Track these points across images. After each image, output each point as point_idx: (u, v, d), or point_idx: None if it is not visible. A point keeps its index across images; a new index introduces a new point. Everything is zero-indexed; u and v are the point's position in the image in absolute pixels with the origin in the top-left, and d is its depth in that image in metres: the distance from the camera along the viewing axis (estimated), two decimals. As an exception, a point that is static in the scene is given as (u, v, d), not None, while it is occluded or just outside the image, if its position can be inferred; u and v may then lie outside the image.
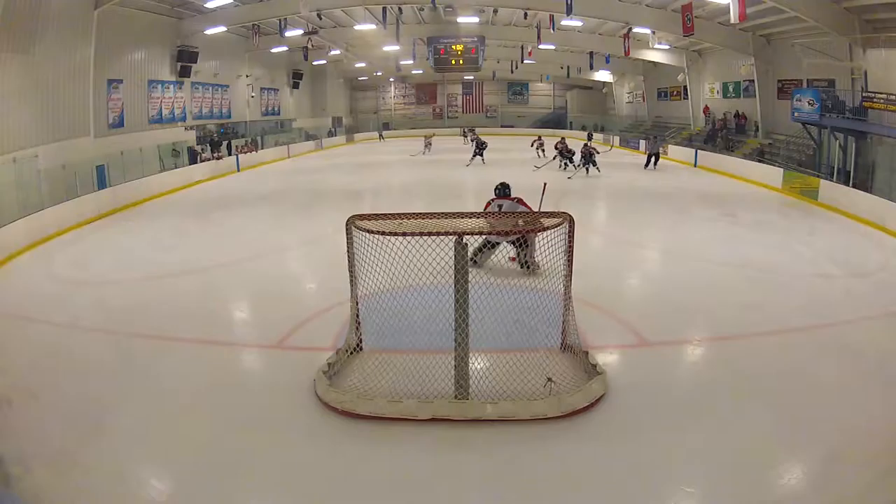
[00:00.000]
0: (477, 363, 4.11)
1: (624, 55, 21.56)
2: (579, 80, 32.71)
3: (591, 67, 25.98)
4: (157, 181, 14.79)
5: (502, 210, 6.95)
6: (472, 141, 26.07)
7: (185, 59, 18.33)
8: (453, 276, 3.94)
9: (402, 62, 29.00)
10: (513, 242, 6.48)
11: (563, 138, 19.04)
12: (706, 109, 22.26)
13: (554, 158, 17.67)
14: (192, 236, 9.98)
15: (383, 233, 4.09)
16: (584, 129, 33.61)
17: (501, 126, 37.64)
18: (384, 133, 34.28)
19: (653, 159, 18.16)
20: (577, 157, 16.80)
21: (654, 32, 19.50)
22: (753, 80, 18.17)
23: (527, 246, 6.17)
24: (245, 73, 23.34)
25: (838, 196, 11.53)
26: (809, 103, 13.52)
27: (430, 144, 24.39)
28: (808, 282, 6.83)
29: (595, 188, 14.40)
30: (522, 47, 25.12)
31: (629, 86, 30.53)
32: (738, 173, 16.29)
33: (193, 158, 18.05)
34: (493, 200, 7.29)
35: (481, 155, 19.83)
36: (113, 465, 3.38)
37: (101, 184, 12.87)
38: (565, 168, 16.72)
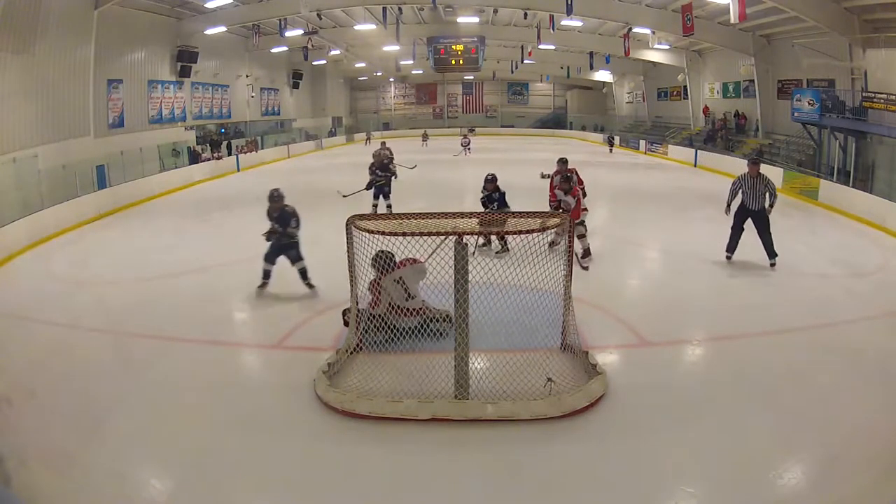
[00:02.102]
0: (477, 363, 4.10)
1: (624, 55, 21.57)
2: (579, 80, 32.74)
3: (591, 67, 26.01)
4: (157, 181, 14.80)
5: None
6: (465, 143, 23.85)
7: (185, 59, 18.33)
8: (453, 276, 3.94)
9: (402, 62, 29.01)
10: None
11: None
12: (706, 110, 22.27)
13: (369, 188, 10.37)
14: (192, 236, 9.97)
15: (383, 233, 4.09)
16: (585, 128, 33.71)
17: (501, 126, 37.67)
18: (373, 134, 31.30)
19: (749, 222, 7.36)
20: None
21: (654, 32, 19.51)
22: (753, 80, 18.17)
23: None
24: (245, 73, 23.35)
25: (838, 196, 11.53)
26: (809, 103, 13.52)
27: (384, 165, 10.72)
28: (808, 282, 6.82)
29: (595, 188, 14.37)
30: (522, 47, 25.14)
31: (629, 86, 30.55)
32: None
33: (193, 159, 18.05)
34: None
35: (389, 177, 10.52)
36: (113, 465, 3.37)
37: (101, 184, 12.88)
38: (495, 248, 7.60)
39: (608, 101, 34.30)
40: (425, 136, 29.66)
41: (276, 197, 6.29)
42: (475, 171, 17.86)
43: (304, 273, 6.37)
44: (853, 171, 12.45)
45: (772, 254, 7.29)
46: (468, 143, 24.12)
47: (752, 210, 7.29)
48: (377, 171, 10.50)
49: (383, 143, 13.80)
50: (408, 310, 4.88)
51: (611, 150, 25.07)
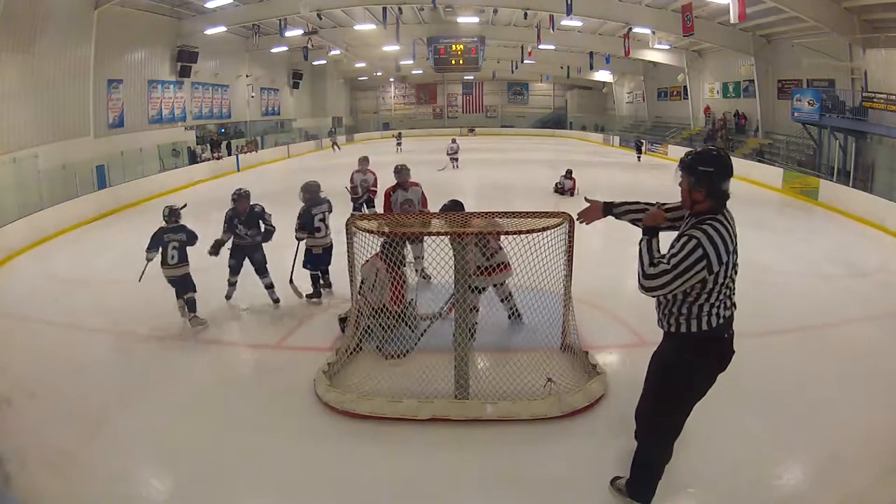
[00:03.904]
0: (477, 363, 4.10)
1: (624, 55, 21.58)
2: (579, 80, 32.74)
3: (591, 67, 26.00)
4: (157, 181, 14.81)
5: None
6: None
7: (185, 59, 18.35)
8: (453, 276, 3.94)
9: (402, 62, 29.02)
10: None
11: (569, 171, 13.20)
12: (707, 109, 22.26)
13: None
14: (192, 236, 9.96)
15: (383, 233, 4.10)
16: (585, 128, 33.67)
17: (502, 126, 37.69)
18: (338, 140, 27.66)
19: None
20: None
21: (654, 32, 19.51)
22: (753, 80, 18.18)
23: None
24: (245, 73, 23.36)
25: (838, 196, 11.53)
26: (809, 103, 13.53)
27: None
28: (808, 282, 6.82)
29: (594, 189, 14.37)
30: (522, 47, 25.14)
31: (629, 86, 30.56)
32: (738, 173, 16.08)
33: (193, 159, 18.06)
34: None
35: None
36: (113, 465, 3.38)
37: (101, 184, 12.90)
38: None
39: (608, 101, 34.31)
40: (399, 139, 25.82)
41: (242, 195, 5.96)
42: (476, 172, 17.84)
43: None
44: (853, 171, 12.46)
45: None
46: (456, 152, 18.62)
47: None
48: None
49: (364, 162, 8.50)
50: (366, 300, 4.76)
51: (639, 159, 21.40)
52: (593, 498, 3.12)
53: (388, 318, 4.58)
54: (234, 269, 6.11)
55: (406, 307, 4.81)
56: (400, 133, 27.13)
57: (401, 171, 6.64)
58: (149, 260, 5.51)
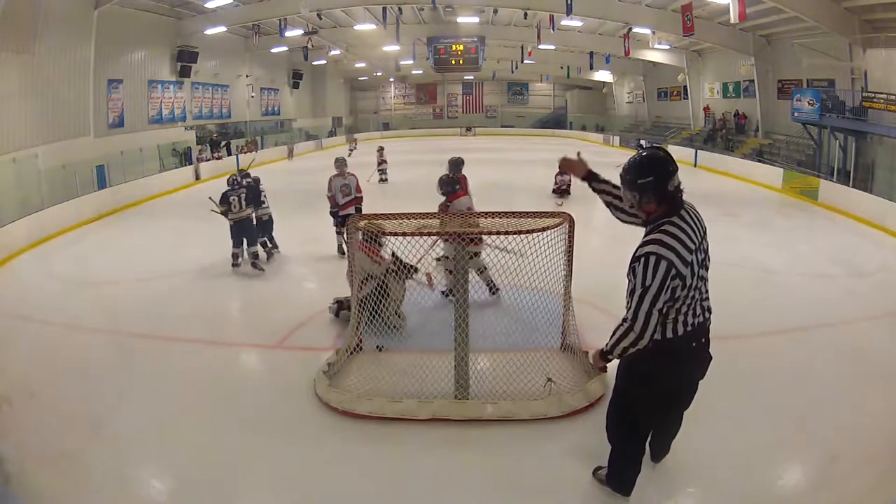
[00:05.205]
0: (477, 363, 4.10)
1: (624, 55, 21.57)
2: (579, 80, 32.73)
3: (591, 67, 26.00)
4: (158, 181, 14.81)
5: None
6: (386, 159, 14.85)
7: (185, 59, 18.35)
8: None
9: (402, 62, 29.01)
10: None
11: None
12: (707, 109, 22.24)
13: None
14: (192, 236, 9.97)
15: (383, 233, 4.10)
16: (585, 128, 33.59)
17: (501, 126, 37.68)
18: (296, 147, 24.78)
19: None
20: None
21: (654, 32, 19.51)
22: (753, 80, 18.17)
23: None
24: (245, 73, 23.35)
25: (838, 196, 11.53)
26: (809, 103, 13.53)
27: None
28: (808, 282, 6.82)
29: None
30: (522, 47, 25.12)
31: (629, 86, 30.54)
32: (738, 173, 16.28)
33: (190, 160, 18.06)
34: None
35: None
36: (113, 465, 3.38)
37: (101, 184, 12.91)
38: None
39: (608, 101, 34.30)
40: (353, 142, 23.55)
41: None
42: (476, 172, 17.79)
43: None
44: (853, 171, 12.46)
45: None
46: (381, 164, 14.88)
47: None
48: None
49: (341, 164, 7.89)
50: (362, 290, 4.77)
51: None
52: (593, 498, 3.12)
53: (378, 280, 4.73)
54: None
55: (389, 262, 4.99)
56: (356, 139, 25.05)
57: (455, 163, 7.21)
58: (218, 211, 7.29)
